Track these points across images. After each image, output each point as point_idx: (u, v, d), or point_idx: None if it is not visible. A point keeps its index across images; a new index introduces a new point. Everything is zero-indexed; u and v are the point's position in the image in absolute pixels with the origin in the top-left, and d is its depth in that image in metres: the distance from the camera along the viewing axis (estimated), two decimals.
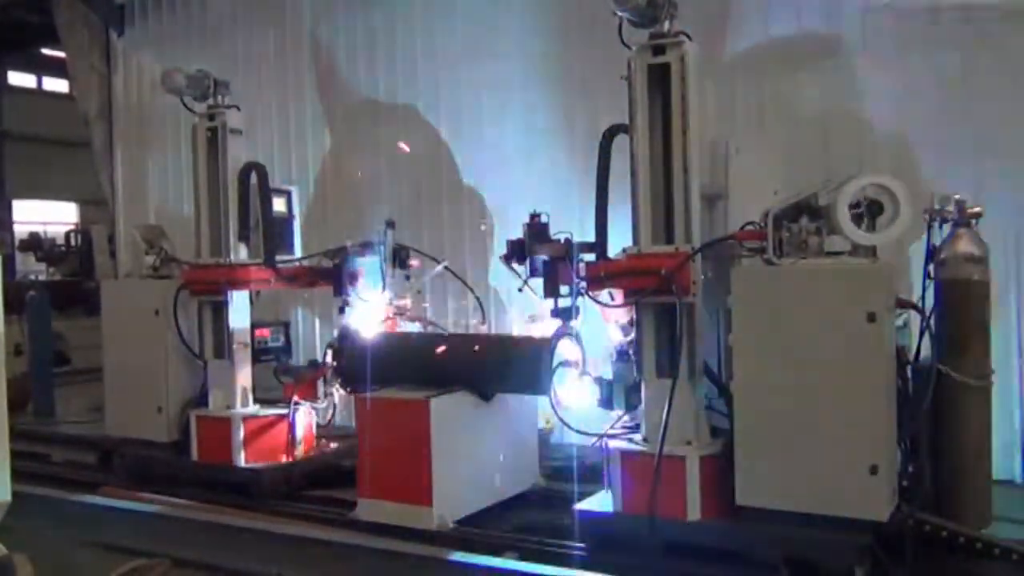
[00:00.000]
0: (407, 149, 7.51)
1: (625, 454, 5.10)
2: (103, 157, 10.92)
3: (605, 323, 5.54)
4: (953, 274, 4.79)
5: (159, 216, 9.92)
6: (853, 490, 4.43)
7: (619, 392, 5.35)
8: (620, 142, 5.27)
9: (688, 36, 4.98)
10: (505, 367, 5.79)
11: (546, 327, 5.81)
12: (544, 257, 5.65)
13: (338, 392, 6.76)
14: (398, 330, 6.71)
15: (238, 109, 7.12)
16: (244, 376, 7.02)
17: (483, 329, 7.11)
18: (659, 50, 5.01)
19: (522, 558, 5.09)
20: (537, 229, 5.75)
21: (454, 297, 7.92)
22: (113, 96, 10.88)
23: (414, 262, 6.98)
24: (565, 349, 5.69)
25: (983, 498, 4.83)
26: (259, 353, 7.21)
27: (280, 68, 9.35)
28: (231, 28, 9.71)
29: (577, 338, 5.77)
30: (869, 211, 4.65)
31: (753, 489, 4.68)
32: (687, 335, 4.97)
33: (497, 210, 7.92)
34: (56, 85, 24.54)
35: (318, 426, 7.10)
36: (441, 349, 6.14)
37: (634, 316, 5.28)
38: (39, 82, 25.71)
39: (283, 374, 7.01)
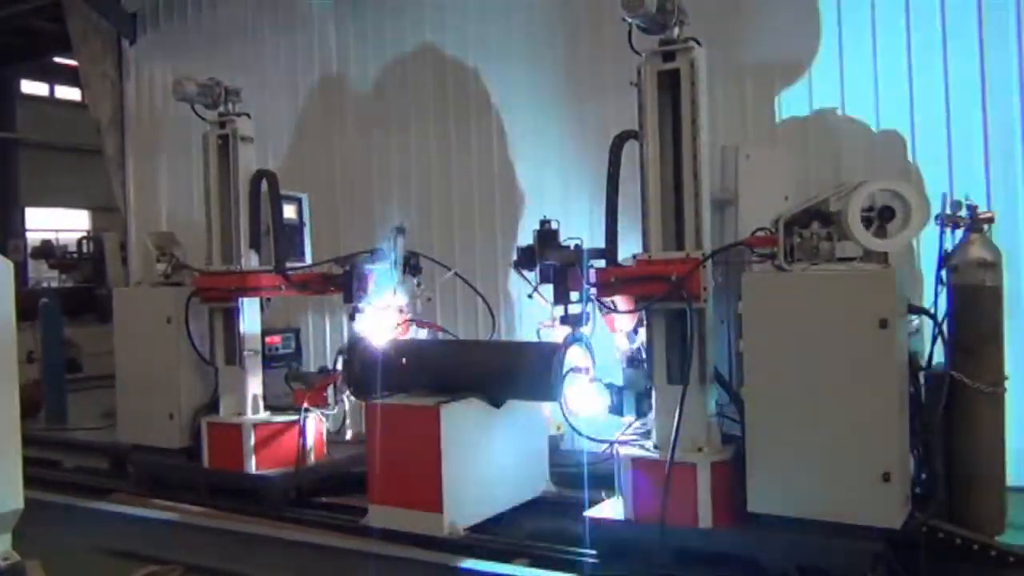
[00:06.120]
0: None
1: (636, 461, 5.08)
2: (115, 164, 10.96)
3: (611, 332, 5.53)
4: (965, 279, 4.76)
5: (171, 223, 9.95)
6: (866, 497, 4.40)
7: (630, 398, 5.35)
8: (630, 148, 5.26)
9: (698, 42, 4.98)
10: (515, 374, 5.79)
11: (556, 333, 5.81)
12: (554, 263, 5.65)
13: (348, 399, 6.76)
14: (408, 336, 6.72)
15: (249, 117, 7.16)
16: (255, 383, 7.04)
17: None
18: (669, 56, 5.01)
19: (533, 565, 5.09)
20: (547, 235, 5.75)
21: (464, 303, 7.92)
22: (125, 104, 10.93)
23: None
24: (575, 355, 5.69)
25: (996, 505, 4.80)
26: (270, 359, 7.23)
27: (291, 75, 9.39)
28: (242, 36, 9.75)
29: (587, 344, 5.76)
30: (881, 216, 4.63)
31: (765, 496, 4.66)
32: (698, 341, 4.96)
33: (507, 216, 7.93)
34: (69, 93, 24.67)
35: (328, 432, 7.11)
36: (451, 356, 6.13)
37: (637, 324, 5.28)
38: (52, 90, 25.84)
39: (294, 380, 7.03)
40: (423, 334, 6.88)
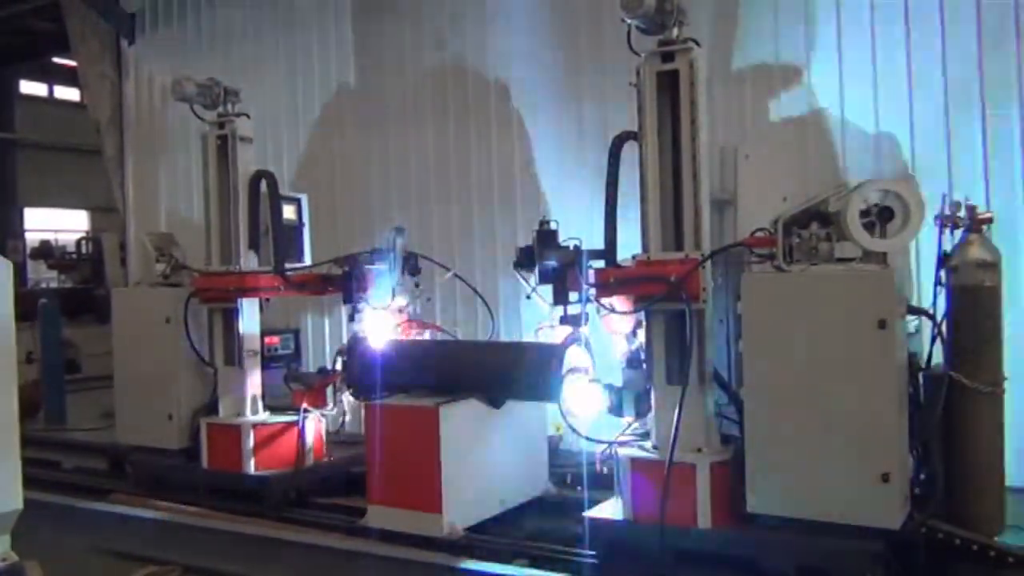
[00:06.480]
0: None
1: (635, 461, 5.08)
2: (114, 165, 10.96)
3: (609, 333, 5.53)
4: (964, 280, 4.76)
5: (170, 223, 9.95)
6: (865, 498, 4.40)
7: (629, 399, 5.34)
8: (629, 149, 5.26)
9: (697, 43, 4.98)
10: (515, 374, 5.78)
11: (555, 334, 5.81)
12: (553, 264, 5.65)
13: (348, 399, 6.76)
14: (409, 337, 6.71)
15: (248, 117, 7.15)
16: (254, 383, 7.03)
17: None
18: (668, 57, 5.01)
19: (532, 565, 5.09)
20: (546, 236, 5.75)
21: (464, 304, 7.92)
22: (124, 104, 10.93)
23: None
24: (574, 356, 5.68)
25: (995, 505, 4.80)
26: (269, 360, 7.22)
27: (290, 75, 9.38)
28: (242, 36, 9.75)
29: (586, 345, 5.76)
30: (880, 217, 4.63)
31: (764, 497, 4.66)
32: (697, 342, 4.96)
33: (507, 216, 7.93)
34: (68, 93, 24.64)
35: (328, 433, 7.11)
36: (451, 356, 6.12)
37: (636, 325, 5.28)
38: (50, 90, 25.81)
39: (293, 381, 7.02)
40: (426, 334, 6.88)
